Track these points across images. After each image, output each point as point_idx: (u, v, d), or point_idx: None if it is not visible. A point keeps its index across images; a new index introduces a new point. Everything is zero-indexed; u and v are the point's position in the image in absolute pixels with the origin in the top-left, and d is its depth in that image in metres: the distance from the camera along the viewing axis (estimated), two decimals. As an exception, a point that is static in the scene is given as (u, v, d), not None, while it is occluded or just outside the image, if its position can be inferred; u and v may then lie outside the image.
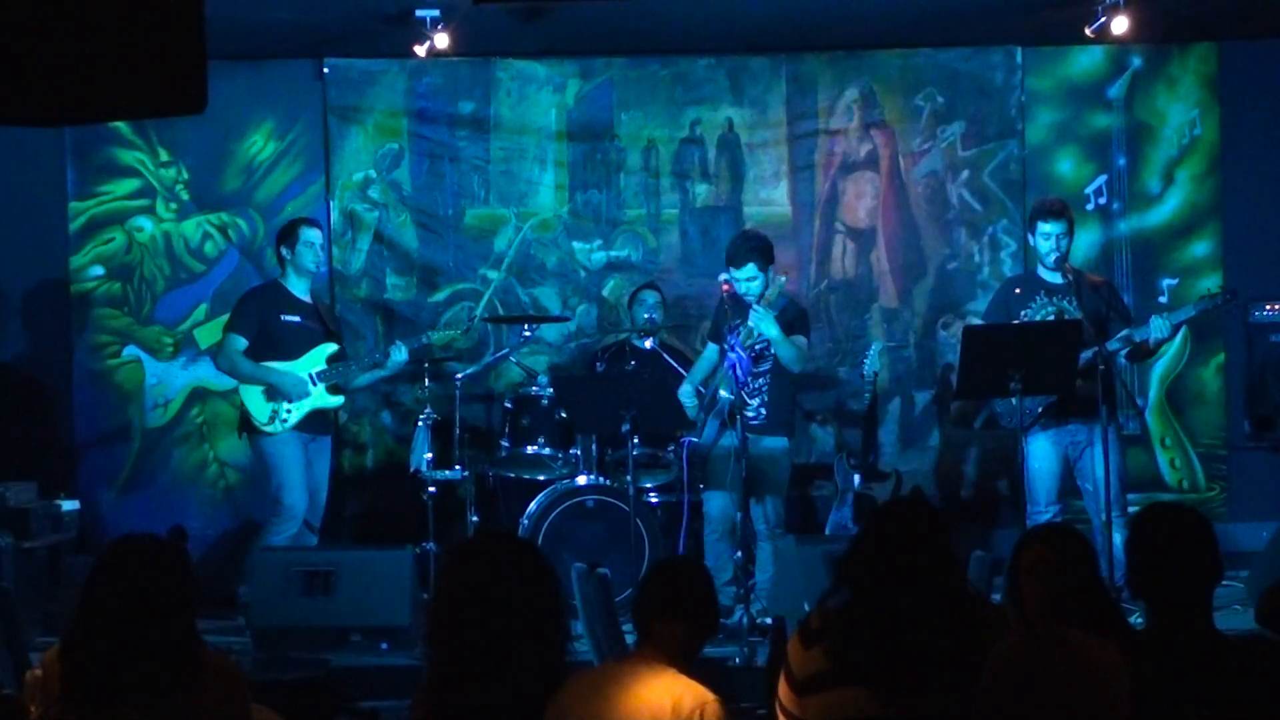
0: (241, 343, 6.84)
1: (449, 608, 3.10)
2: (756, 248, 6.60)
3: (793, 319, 6.60)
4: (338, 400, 6.93)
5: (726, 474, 6.47)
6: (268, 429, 6.79)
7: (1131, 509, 6.37)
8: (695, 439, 6.71)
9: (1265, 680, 3.02)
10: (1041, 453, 6.47)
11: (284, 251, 6.95)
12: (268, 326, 6.86)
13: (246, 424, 6.86)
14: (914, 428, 8.18)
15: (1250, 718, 2.98)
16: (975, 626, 3.01)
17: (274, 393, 6.79)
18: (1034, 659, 2.47)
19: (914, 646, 2.93)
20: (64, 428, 7.92)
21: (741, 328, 6.39)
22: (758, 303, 6.38)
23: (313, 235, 6.95)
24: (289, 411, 6.78)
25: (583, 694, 3.16)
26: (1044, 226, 6.52)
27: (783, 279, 6.56)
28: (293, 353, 6.85)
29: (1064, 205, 6.70)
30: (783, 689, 3.16)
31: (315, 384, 6.83)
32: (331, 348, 6.92)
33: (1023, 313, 6.56)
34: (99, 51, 3.02)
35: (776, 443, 6.66)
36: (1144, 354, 6.72)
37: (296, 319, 6.89)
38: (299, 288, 6.97)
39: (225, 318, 7.84)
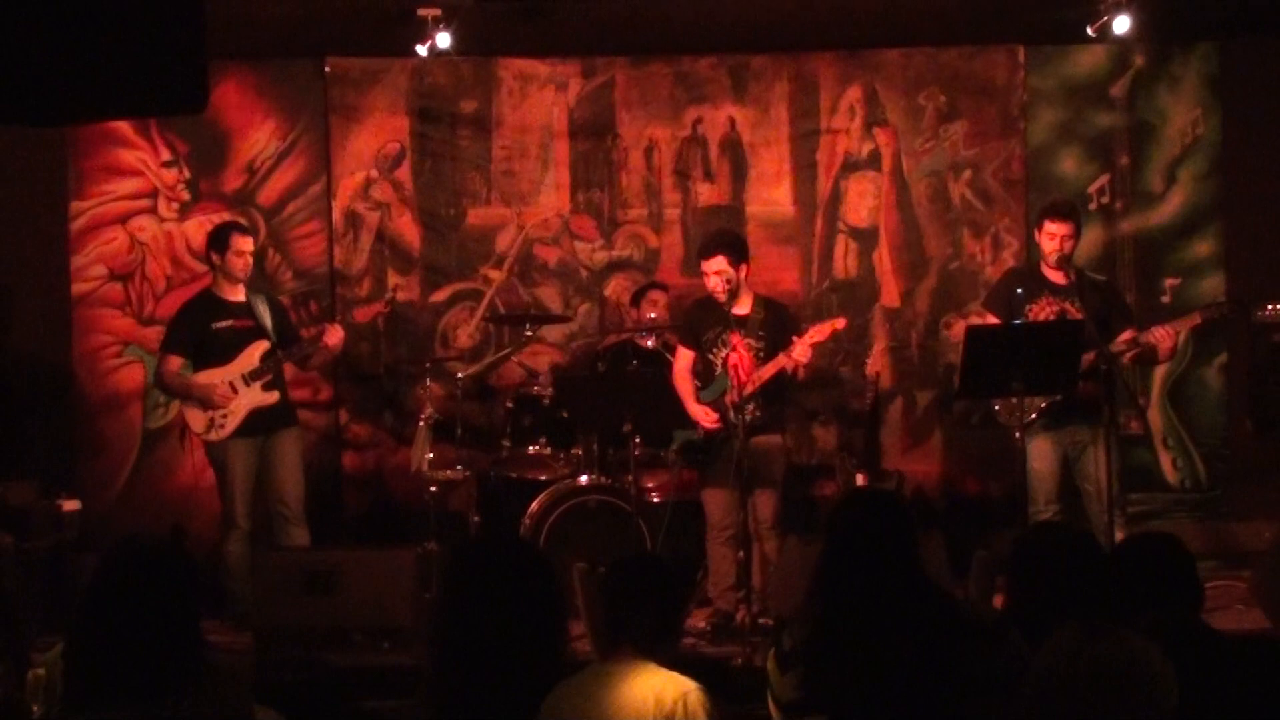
0: (177, 362, 6.87)
1: (452, 611, 3.10)
2: (726, 241, 6.59)
3: (781, 330, 6.54)
4: (272, 397, 6.87)
5: (726, 472, 6.45)
6: (206, 438, 6.81)
7: (1130, 508, 6.39)
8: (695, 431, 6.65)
9: (1264, 679, 3.03)
10: (1041, 453, 6.48)
11: (214, 257, 6.92)
12: (200, 338, 6.87)
13: (189, 433, 6.94)
14: (916, 427, 8.18)
15: (1250, 717, 2.97)
16: (951, 634, 2.99)
17: (207, 402, 6.81)
18: (1085, 654, 2.46)
19: (879, 677, 2.91)
20: (65, 428, 7.91)
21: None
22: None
23: (243, 244, 6.90)
24: (225, 416, 6.79)
25: (569, 697, 3.16)
26: (1051, 226, 6.52)
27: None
28: (227, 357, 6.84)
29: (1074, 208, 6.72)
30: (771, 706, 3.16)
31: (248, 384, 6.82)
32: (263, 345, 6.89)
33: (1026, 309, 6.55)
34: (99, 51, 3.01)
35: (770, 439, 6.63)
36: (1151, 360, 6.74)
37: (228, 323, 6.88)
38: (231, 291, 6.95)
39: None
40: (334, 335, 6.94)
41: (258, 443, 6.86)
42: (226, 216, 8.03)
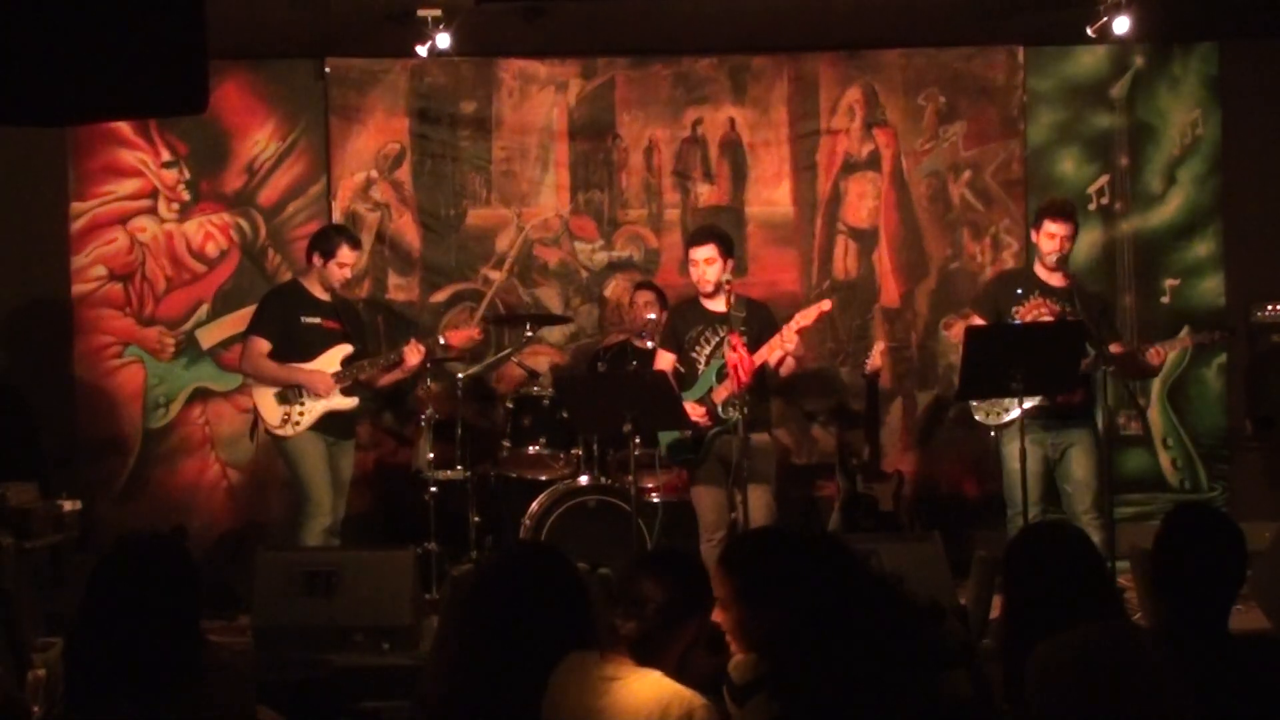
0: (265, 345, 6.78)
1: (479, 625, 3.12)
2: (717, 232, 6.65)
3: (762, 328, 6.50)
4: (352, 402, 6.85)
5: (717, 471, 6.45)
6: (280, 432, 6.75)
7: (1130, 508, 6.39)
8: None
9: (1271, 680, 3.03)
10: (1019, 454, 6.34)
11: (316, 259, 6.83)
12: (288, 328, 6.79)
13: (261, 426, 6.83)
14: (916, 428, 8.18)
15: (1258, 717, 2.98)
16: (895, 615, 2.96)
17: (286, 395, 6.75)
18: (1104, 652, 2.46)
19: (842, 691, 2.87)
20: (65, 428, 7.91)
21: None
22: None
23: (349, 257, 6.83)
24: (301, 414, 6.74)
25: (571, 697, 3.14)
26: (1050, 226, 6.51)
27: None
28: (310, 354, 6.79)
29: (1073, 207, 6.73)
30: None
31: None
32: (346, 349, 6.85)
33: (1014, 311, 6.54)
34: (99, 51, 3.01)
35: (759, 436, 6.59)
36: (1133, 375, 6.75)
37: (316, 320, 6.84)
38: (319, 290, 6.90)
39: (227, 318, 7.86)
40: (415, 354, 6.89)
41: (328, 442, 6.82)
42: (226, 217, 8.06)
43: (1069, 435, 6.50)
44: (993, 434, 6.49)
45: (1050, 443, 6.51)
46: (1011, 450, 6.36)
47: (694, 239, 6.65)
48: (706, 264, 6.49)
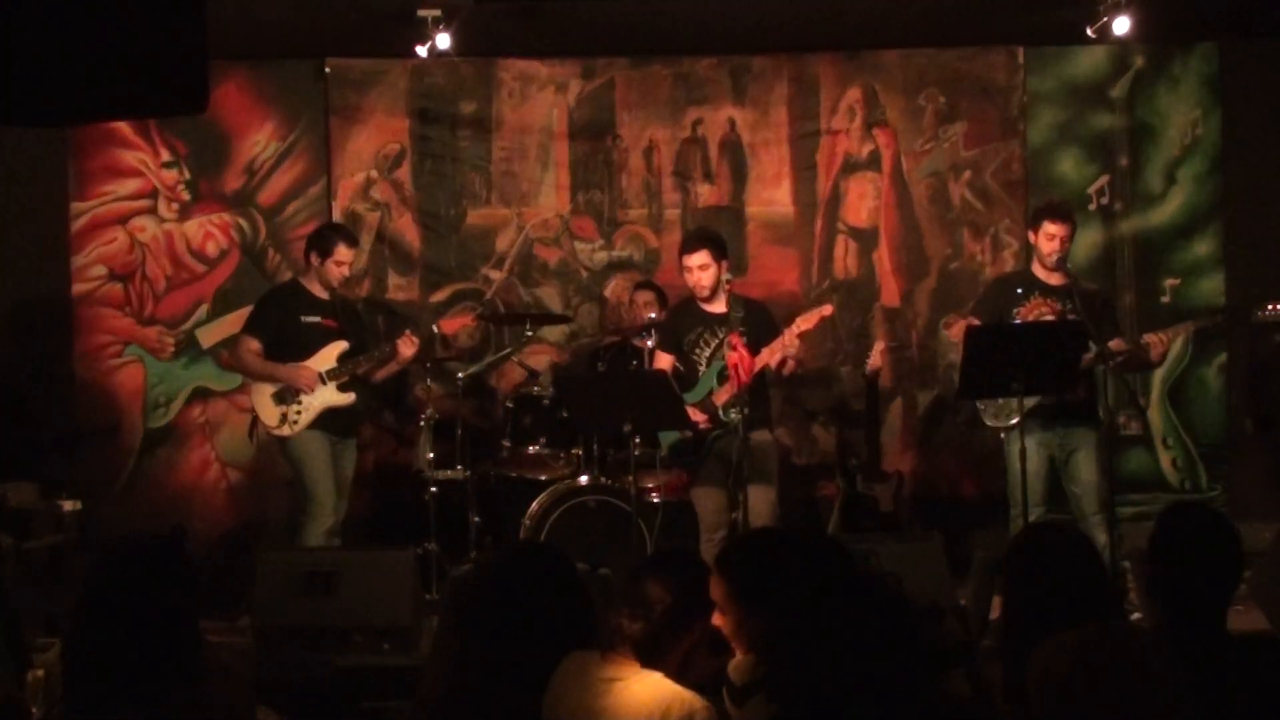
0: (254, 344, 6.81)
1: (478, 625, 3.12)
2: (709, 236, 6.64)
3: (761, 328, 6.51)
4: (349, 397, 6.85)
5: (718, 470, 6.44)
6: (278, 432, 6.76)
7: (1130, 508, 6.38)
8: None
9: (1270, 680, 3.03)
10: (1024, 455, 6.35)
11: (313, 258, 6.86)
12: (286, 328, 6.81)
13: (261, 427, 6.83)
14: (916, 428, 8.18)
15: (1258, 717, 2.98)
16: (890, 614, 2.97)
17: (283, 395, 6.75)
18: (1104, 652, 2.45)
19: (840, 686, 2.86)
20: (65, 428, 7.90)
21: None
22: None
23: (346, 255, 6.85)
24: (299, 413, 6.74)
25: (571, 696, 3.14)
26: (1049, 227, 6.51)
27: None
28: (309, 352, 6.80)
29: (1071, 208, 6.76)
30: None
31: (325, 382, 6.79)
32: (342, 345, 6.86)
33: (1015, 312, 6.54)
34: (99, 51, 3.01)
35: (761, 435, 6.59)
36: (1138, 367, 6.74)
37: (316, 319, 6.85)
38: (319, 289, 6.91)
39: (227, 318, 7.87)
40: (408, 346, 6.89)
41: (331, 441, 6.83)
42: (226, 217, 8.06)
43: (1076, 437, 6.49)
44: (1002, 435, 6.48)
45: (1057, 443, 6.51)
46: (1016, 450, 6.36)
47: (686, 245, 6.64)
48: (701, 269, 6.49)
